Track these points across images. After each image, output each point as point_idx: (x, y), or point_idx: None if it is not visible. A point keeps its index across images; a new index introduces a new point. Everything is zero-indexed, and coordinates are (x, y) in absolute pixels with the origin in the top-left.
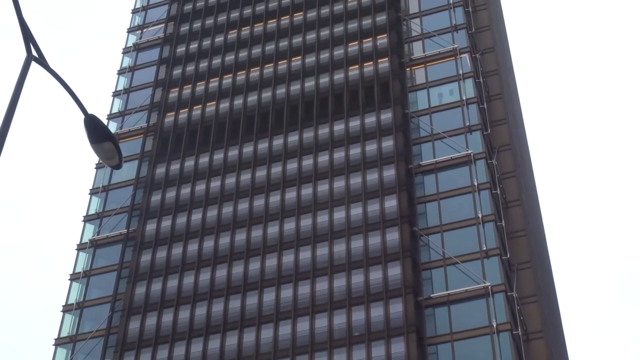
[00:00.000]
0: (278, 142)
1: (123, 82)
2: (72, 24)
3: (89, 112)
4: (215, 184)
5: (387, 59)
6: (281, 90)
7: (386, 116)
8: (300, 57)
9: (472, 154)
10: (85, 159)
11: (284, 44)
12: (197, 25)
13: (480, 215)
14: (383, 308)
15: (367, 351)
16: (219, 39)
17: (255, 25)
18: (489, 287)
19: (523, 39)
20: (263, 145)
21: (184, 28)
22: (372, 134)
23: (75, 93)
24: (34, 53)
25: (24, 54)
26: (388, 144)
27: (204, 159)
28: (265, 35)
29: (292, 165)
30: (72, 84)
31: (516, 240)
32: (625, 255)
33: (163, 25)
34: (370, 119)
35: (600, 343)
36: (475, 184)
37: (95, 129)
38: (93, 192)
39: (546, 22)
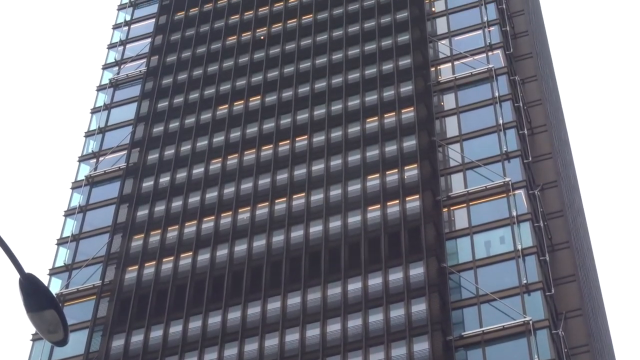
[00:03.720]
0: (274, 305)
1: (71, 226)
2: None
3: (26, 270)
4: None
5: (417, 196)
6: (278, 238)
7: (416, 272)
8: (303, 194)
9: (531, 322)
10: (18, 330)
11: (283, 176)
12: (169, 152)
13: None
14: None
15: None
16: (198, 170)
17: (246, 152)
18: None
19: (592, 164)
20: (254, 311)
21: (153, 156)
22: (398, 295)
23: (8, 246)
24: None
25: None
26: (419, 308)
27: (175, 329)
28: (259, 165)
29: (292, 337)
30: (4, 232)
31: None
32: None
33: (126, 152)
34: (396, 276)
35: None
36: None
37: (33, 292)
38: None
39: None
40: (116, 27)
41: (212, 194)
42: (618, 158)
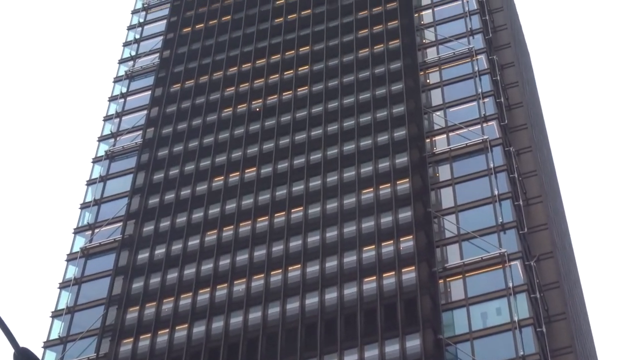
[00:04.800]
0: None
1: (66, 299)
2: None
3: (21, 344)
4: None
5: (413, 267)
6: (274, 309)
7: (413, 344)
8: (299, 265)
9: None
10: None
11: (278, 247)
12: (165, 224)
13: None
14: None
15: None
16: (193, 241)
17: (241, 224)
18: None
19: (587, 234)
20: None
21: (149, 228)
22: None
23: (2, 319)
24: None
25: None
26: None
27: None
28: (254, 236)
29: None
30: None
31: None
32: None
33: (121, 223)
34: (392, 348)
35: None
36: None
37: None
38: None
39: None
40: (112, 99)
41: (207, 266)
42: (614, 228)
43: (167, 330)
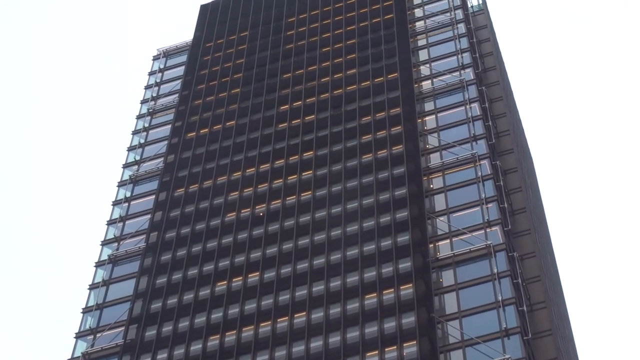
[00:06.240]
0: None
1: None
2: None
3: None
4: None
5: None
6: None
7: None
8: None
9: None
10: None
11: (281, 353)
12: (167, 329)
13: None
14: None
15: None
16: (196, 346)
17: (244, 329)
18: None
19: (592, 340)
20: None
21: (151, 332)
22: None
23: None
24: None
25: None
26: None
27: None
28: (257, 341)
29: None
30: None
31: None
32: None
33: (123, 328)
34: None
35: None
36: None
37: None
38: None
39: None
40: (116, 203)
41: None
42: (618, 334)
43: None
